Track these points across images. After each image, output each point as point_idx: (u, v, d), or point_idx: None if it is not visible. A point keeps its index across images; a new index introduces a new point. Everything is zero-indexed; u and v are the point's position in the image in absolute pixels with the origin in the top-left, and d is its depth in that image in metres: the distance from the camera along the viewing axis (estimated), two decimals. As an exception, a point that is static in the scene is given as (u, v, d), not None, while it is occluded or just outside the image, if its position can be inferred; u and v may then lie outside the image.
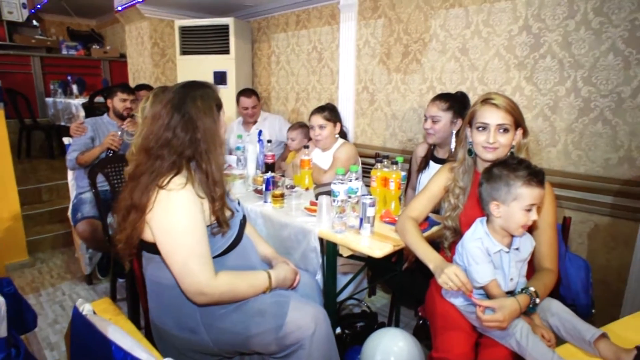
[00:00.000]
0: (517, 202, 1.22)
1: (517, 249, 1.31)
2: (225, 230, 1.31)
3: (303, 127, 2.83)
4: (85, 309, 1.01)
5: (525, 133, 1.44)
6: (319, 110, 2.43)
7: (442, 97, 2.10)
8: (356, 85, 3.10)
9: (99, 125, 2.73)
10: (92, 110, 4.21)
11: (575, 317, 1.22)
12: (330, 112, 2.42)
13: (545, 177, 1.39)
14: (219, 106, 1.36)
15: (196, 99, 1.29)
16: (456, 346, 1.29)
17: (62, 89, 5.14)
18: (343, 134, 2.53)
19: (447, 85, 2.53)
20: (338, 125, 2.46)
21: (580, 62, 1.99)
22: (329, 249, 1.64)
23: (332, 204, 1.63)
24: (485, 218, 1.34)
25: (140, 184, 1.23)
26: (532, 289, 1.24)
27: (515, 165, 1.25)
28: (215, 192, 1.28)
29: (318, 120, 2.40)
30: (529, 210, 1.22)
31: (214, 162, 1.29)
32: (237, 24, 3.71)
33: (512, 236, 1.31)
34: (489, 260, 1.28)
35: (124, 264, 1.37)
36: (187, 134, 1.26)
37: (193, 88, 1.32)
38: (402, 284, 2.04)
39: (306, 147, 2.32)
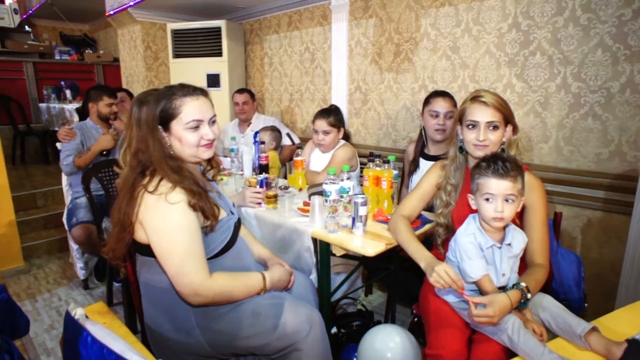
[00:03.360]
0: (479, 192, 1.27)
1: (509, 244, 1.31)
2: (214, 223, 1.29)
3: (274, 131, 2.83)
4: (77, 313, 1.01)
5: (515, 129, 1.45)
6: (324, 115, 2.39)
7: (447, 94, 2.11)
8: (349, 85, 3.10)
9: (85, 130, 2.73)
10: (86, 114, 4.19)
11: (566, 312, 1.22)
12: (335, 117, 2.39)
13: (535, 174, 1.39)
14: (166, 117, 1.31)
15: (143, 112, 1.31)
16: (449, 343, 1.29)
17: (56, 94, 5.14)
18: (346, 136, 2.52)
19: (439, 83, 2.54)
20: (342, 130, 2.44)
21: (569, 59, 2.01)
22: (322, 249, 1.64)
23: (325, 204, 1.64)
24: (477, 214, 1.35)
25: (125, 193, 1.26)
26: (523, 284, 1.25)
27: (486, 159, 1.28)
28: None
29: (323, 126, 2.37)
30: (488, 200, 1.24)
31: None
32: (229, 26, 3.71)
33: (504, 231, 1.32)
34: (481, 256, 1.29)
35: (119, 270, 1.37)
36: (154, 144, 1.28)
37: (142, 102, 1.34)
38: (397, 282, 2.04)
39: (299, 147, 2.33)
